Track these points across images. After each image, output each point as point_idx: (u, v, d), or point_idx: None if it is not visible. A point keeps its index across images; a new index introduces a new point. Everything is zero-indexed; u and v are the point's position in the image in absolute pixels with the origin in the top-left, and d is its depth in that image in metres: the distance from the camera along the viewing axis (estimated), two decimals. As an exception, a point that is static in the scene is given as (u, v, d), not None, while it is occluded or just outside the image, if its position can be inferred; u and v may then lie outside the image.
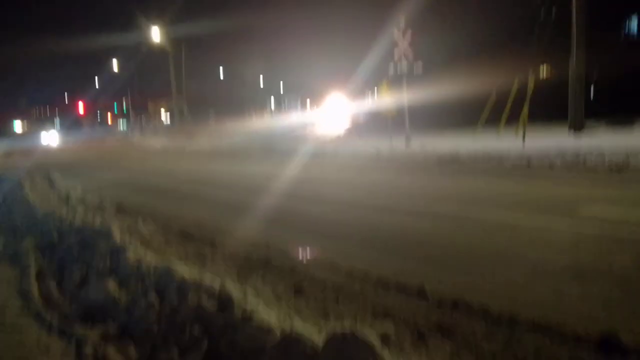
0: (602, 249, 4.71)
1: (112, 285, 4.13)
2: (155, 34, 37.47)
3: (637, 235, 5.13)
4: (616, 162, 9.69)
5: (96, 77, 69.85)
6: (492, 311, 3.51)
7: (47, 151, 35.36)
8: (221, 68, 69.65)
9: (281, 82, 76.37)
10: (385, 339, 3.16)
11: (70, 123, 67.09)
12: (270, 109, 72.27)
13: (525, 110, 15.65)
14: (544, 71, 22.64)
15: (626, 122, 16.23)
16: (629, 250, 4.59)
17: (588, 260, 4.45)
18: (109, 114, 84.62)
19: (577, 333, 3.10)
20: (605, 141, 12.21)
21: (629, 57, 19.66)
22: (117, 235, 5.46)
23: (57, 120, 76.59)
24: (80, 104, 69.52)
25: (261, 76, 72.64)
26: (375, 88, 23.51)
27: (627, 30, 24.26)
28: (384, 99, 17.90)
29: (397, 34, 17.04)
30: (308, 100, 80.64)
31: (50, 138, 53.36)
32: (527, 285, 4.00)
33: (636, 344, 2.90)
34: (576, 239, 5.08)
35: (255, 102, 65.91)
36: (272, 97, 76.21)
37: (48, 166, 18.52)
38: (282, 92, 79.77)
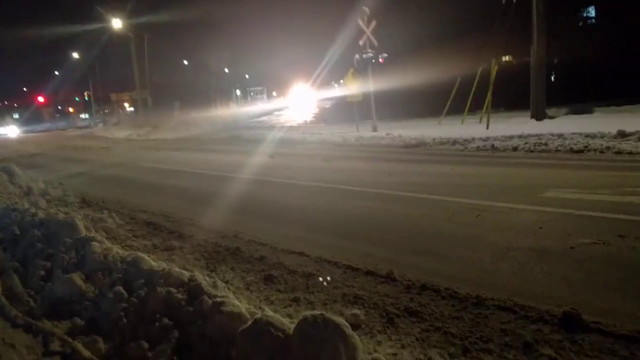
0: (564, 230, 4.84)
1: (78, 278, 4.06)
2: (117, 23, 36.66)
3: (597, 213, 5.28)
4: (576, 145, 9.96)
5: (56, 69, 67.89)
6: (460, 293, 3.58)
7: (6, 143, 34.35)
8: (185, 59, 68.64)
9: (247, 73, 75.79)
10: (355, 323, 3.20)
11: (30, 115, 65.25)
12: (236, 98, 71.66)
13: (489, 98, 15.91)
14: (506, 59, 23.03)
15: (586, 108, 16.67)
16: (590, 229, 4.73)
17: (551, 241, 4.57)
18: (69, 106, 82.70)
19: (540, 311, 3.19)
20: (566, 126, 12.52)
21: (588, 44, 20.17)
22: (81, 228, 5.35)
23: (16, 113, 74.42)
24: (40, 97, 67.72)
25: (226, 67, 71.91)
26: (341, 79, 23.58)
27: (585, 17, 24.84)
28: (350, 88, 17.96)
29: (362, 24, 17.09)
30: (274, 89, 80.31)
31: (9, 130, 51.93)
32: (493, 267, 4.09)
33: (595, 321, 3.00)
34: (540, 220, 5.20)
35: (221, 92, 65.22)
36: (238, 87, 75.56)
37: (7, 159, 18.01)
38: (248, 81, 79.12)
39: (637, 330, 2.85)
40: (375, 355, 2.65)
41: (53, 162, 17.59)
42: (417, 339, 3.03)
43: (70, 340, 3.30)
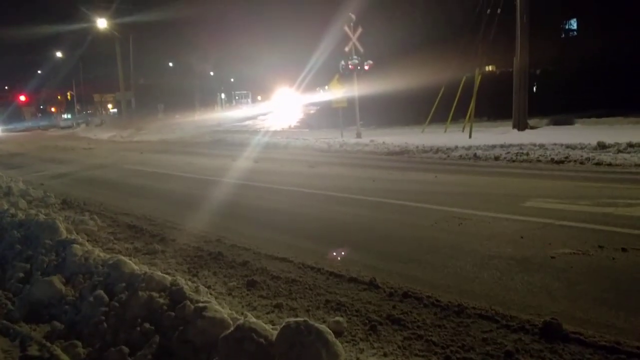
0: (545, 239, 4.89)
1: (57, 281, 4.01)
2: (102, 23, 36.39)
3: (577, 224, 5.35)
4: (557, 156, 10.09)
5: (39, 68, 66.97)
6: (442, 301, 3.60)
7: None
8: (171, 61, 68.22)
9: (232, 76, 75.64)
10: (338, 330, 3.20)
11: (11, 114, 64.31)
12: (221, 102, 71.47)
13: (472, 107, 16.05)
14: (489, 69, 23.27)
15: (567, 119, 16.89)
16: (570, 239, 4.79)
17: (532, 250, 4.61)
18: (52, 106, 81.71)
19: (521, 321, 3.22)
20: (547, 136, 12.67)
21: (569, 55, 20.47)
22: (62, 230, 5.29)
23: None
24: (22, 95, 66.83)
25: (211, 70, 71.60)
26: (326, 84, 23.65)
27: (567, 29, 25.23)
28: (335, 93, 18.00)
29: (348, 30, 17.15)
30: (259, 93, 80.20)
31: None
32: (475, 275, 4.12)
33: (575, 331, 3.04)
34: (521, 229, 5.25)
35: (205, 95, 65.00)
36: (223, 91, 75.36)
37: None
38: (233, 84, 78.89)
39: (616, 341, 2.89)
40: (358, 362, 2.65)
41: (34, 163, 17.37)
42: (399, 347, 3.03)
43: (48, 344, 3.25)
